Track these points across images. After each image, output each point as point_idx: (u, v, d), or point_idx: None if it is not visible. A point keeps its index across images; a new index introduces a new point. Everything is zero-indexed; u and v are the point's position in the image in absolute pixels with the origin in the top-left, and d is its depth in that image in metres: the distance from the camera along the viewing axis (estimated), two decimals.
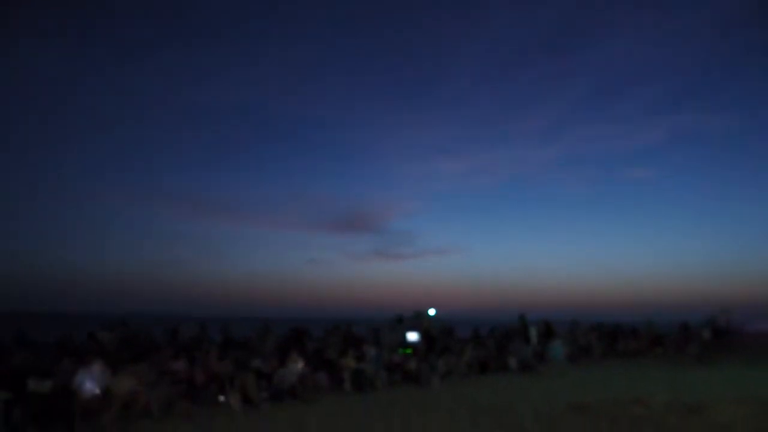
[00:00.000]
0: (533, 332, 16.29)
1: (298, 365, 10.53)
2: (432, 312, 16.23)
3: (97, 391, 8.01)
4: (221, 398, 9.44)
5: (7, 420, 7.09)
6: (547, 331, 19.31)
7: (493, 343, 15.95)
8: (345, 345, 13.22)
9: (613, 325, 22.13)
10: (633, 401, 9.84)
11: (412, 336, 14.87)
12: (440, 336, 15.35)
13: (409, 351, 13.45)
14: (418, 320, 15.77)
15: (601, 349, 19.51)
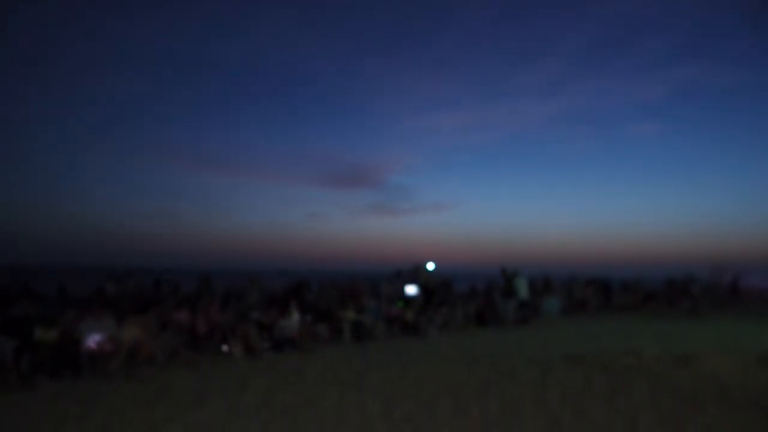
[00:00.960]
0: (523, 285, 16.48)
1: (297, 317, 10.76)
2: (431, 266, 16.43)
3: (103, 339, 8.22)
4: (224, 348, 9.69)
5: (16, 367, 7.29)
6: (545, 286, 19.62)
7: (489, 296, 16.22)
8: (344, 297, 13.46)
9: (608, 280, 22.46)
10: (625, 352, 10.11)
11: (411, 289, 15.11)
12: (438, 289, 15.59)
13: (407, 304, 13.70)
14: (416, 274, 15.98)
15: (596, 304, 19.90)
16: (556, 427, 5.52)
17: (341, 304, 12.47)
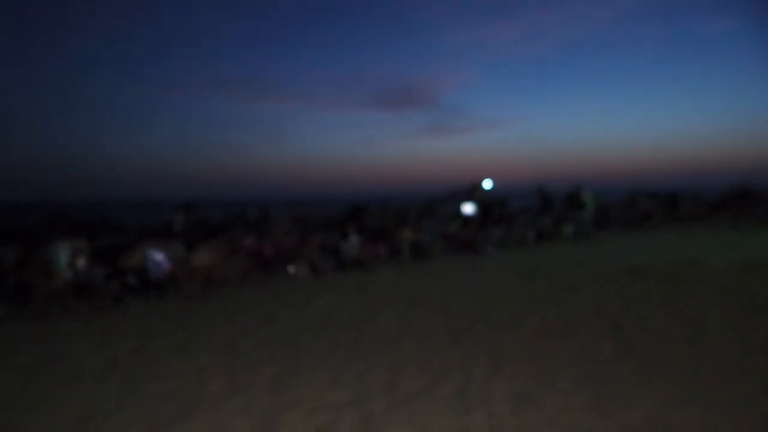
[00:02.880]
0: (590, 199, 16.10)
1: (357, 239, 11.08)
2: (488, 184, 16.26)
3: (178, 264, 8.83)
4: (290, 269, 10.20)
5: (107, 290, 8.01)
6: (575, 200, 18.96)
7: (549, 212, 15.97)
8: (402, 218, 13.66)
9: (673, 192, 21.49)
10: (691, 263, 9.87)
11: (468, 208, 15.10)
12: (495, 207, 15.50)
13: (465, 222, 13.76)
14: (473, 193, 15.88)
15: (661, 216, 19.22)
16: (616, 334, 5.58)
17: (399, 224, 12.69)
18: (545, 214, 15.29)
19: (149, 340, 5.84)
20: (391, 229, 12.94)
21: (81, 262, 8.12)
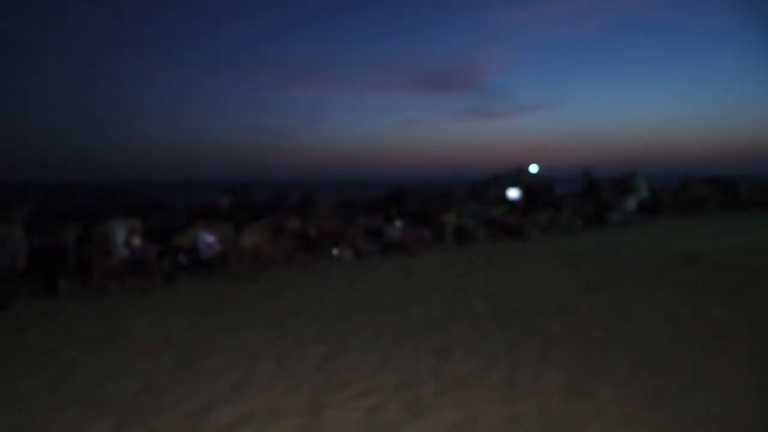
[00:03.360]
0: (644, 183, 15.54)
1: (400, 222, 11.07)
2: (533, 169, 15.92)
3: (226, 244, 9.05)
4: (334, 251, 10.30)
5: (160, 268, 8.30)
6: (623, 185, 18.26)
7: (595, 197, 15.52)
8: (445, 202, 13.56)
9: (731, 179, 20.48)
10: (749, 251, 9.41)
11: (513, 193, 14.84)
12: (541, 192, 15.17)
13: (509, 207, 13.54)
14: (518, 177, 15.59)
15: (716, 202, 18.38)
16: (672, 324, 5.38)
17: (442, 208, 12.60)
18: (591, 199, 14.86)
19: (201, 318, 6.02)
20: (434, 213, 12.87)
21: (136, 240, 8.43)
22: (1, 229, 7.08)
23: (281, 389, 3.98)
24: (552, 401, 3.68)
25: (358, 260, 9.87)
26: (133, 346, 5.04)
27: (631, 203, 14.59)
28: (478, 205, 13.42)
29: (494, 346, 4.88)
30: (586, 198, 15.10)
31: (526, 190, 15.18)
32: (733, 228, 13.44)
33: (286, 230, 10.72)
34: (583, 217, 14.12)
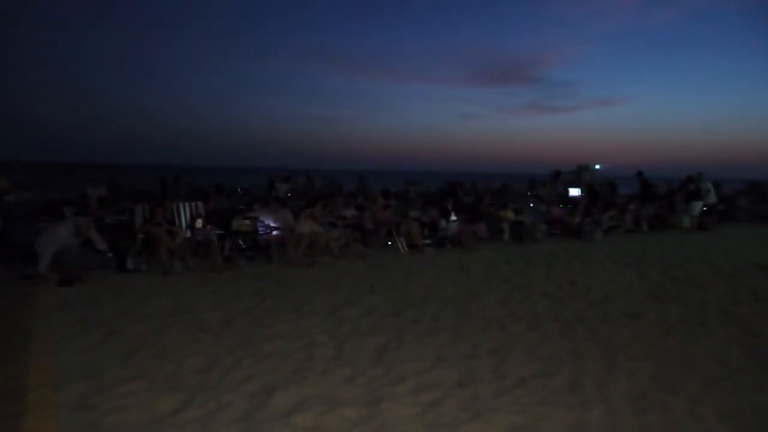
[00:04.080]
0: (709, 188, 14.68)
1: (454, 217, 10.91)
2: (597, 167, 15.34)
3: (283, 230, 9.19)
4: (388, 243, 10.28)
5: (221, 251, 8.53)
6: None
7: (669, 199, 14.76)
8: (504, 198, 13.27)
9: None
10: None
11: (574, 191, 14.36)
12: (604, 191, 14.60)
13: (571, 205, 13.10)
14: (579, 175, 15.07)
15: None
16: (749, 338, 5.03)
17: (501, 204, 12.33)
18: (646, 202, 14.11)
19: (261, 301, 6.13)
20: (491, 208, 12.62)
21: (198, 223, 8.69)
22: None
23: (339, 378, 3.98)
24: (620, 412, 3.50)
25: (412, 253, 9.81)
26: (196, 325, 5.19)
27: (697, 207, 13.77)
28: (537, 202, 13.07)
29: (556, 349, 4.71)
30: (640, 200, 14.35)
31: (588, 189, 14.66)
32: None
33: (341, 219, 10.79)
34: (648, 220, 13.47)
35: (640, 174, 14.96)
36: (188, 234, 8.59)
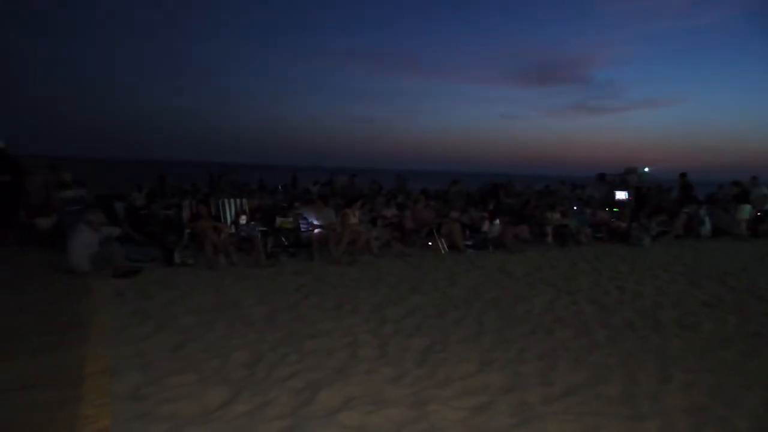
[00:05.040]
0: (766, 194, 13.97)
1: (500, 219, 10.75)
2: (645, 169, 14.84)
3: (325, 228, 9.25)
4: (429, 243, 10.20)
5: (264, 247, 8.65)
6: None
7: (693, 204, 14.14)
8: (546, 200, 12.99)
9: None
10: None
11: (621, 194, 13.93)
12: (653, 195, 14.11)
13: (618, 209, 12.70)
14: (627, 177, 14.61)
15: None
16: None
17: (544, 206, 12.08)
18: (688, 206, 13.51)
19: (303, 298, 6.17)
20: (534, 210, 12.39)
21: (242, 219, 8.84)
22: (86, 220, 7.45)
23: (383, 378, 3.96)
24: (679, 426, 3.35)
25: (453, 254, 9.71)
26: (241, 320, 5.26)
27: (745, 211, 13.09)
28: (582, 205, 12.73)
29: (605, 357, 4.56)
30: (681, 205, 13.72)
31: (636, 192, 14.20)
32: None
33: (382, 218, 10.79)
34: (704, 226, 12.91)
35: (683, 175, 14.38)
36: (232, 230, 8.75)
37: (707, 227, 12.60)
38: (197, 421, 3.20)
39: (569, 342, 4.92)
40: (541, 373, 4.15)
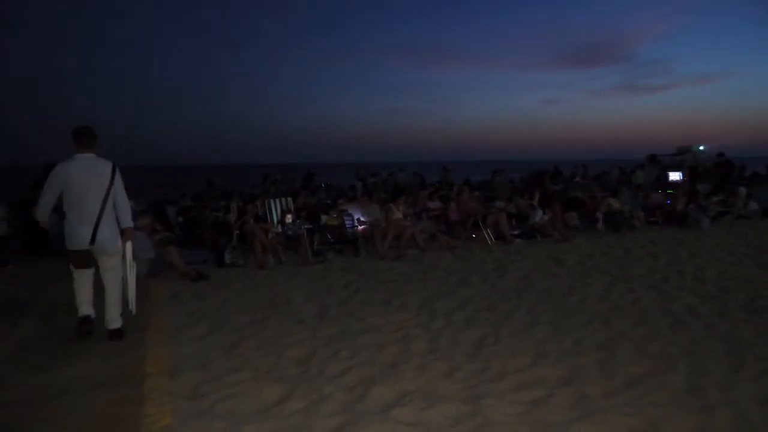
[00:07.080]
0: None
1: (548, 207, 10.48)
2: (701, 148, 14.14)
3: (370, 223, 9.27)
4: (475, 234, 10.06)
5: (310, 244, 8.74)
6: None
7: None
8: (596, 185, 12.58)
9: None
10: None
11: (674, 175, 13.33)
12: (709, 174, 13.43)
13: (670, 191, 12.16)
14: (681, 157, 13.96)
15: None
16: None
17: (593, 191, 11.70)
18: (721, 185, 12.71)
19: (352, 294, 6.20)
20: (583, 196, 12.02)
21: (288, 218, 8.96)
22: (160, 234, 7.61)
23: (436, 373, 3.91)
24: (754, 418, 3.16)
25: (500, 244, 9.54)
26: (292, 317, 5.32)
27: None
28: (634, 188, 12.26)
29: (668, 346, 4.35)
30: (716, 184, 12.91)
31: (691, 172, 13.55)
32: None
33: (427, 211, 10.72)
34: (763, 207, 12.22)
35: (720, 155, 13.55)
36: (279, 229, 8.88)
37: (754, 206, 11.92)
38: (254, 418, 3.24)
39: (628, 331, 4.73)
40: (600, 365, 4.00)
